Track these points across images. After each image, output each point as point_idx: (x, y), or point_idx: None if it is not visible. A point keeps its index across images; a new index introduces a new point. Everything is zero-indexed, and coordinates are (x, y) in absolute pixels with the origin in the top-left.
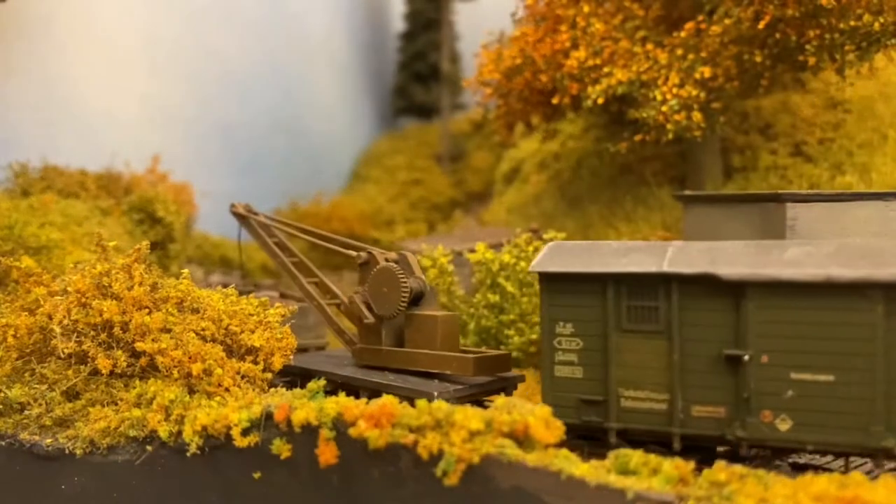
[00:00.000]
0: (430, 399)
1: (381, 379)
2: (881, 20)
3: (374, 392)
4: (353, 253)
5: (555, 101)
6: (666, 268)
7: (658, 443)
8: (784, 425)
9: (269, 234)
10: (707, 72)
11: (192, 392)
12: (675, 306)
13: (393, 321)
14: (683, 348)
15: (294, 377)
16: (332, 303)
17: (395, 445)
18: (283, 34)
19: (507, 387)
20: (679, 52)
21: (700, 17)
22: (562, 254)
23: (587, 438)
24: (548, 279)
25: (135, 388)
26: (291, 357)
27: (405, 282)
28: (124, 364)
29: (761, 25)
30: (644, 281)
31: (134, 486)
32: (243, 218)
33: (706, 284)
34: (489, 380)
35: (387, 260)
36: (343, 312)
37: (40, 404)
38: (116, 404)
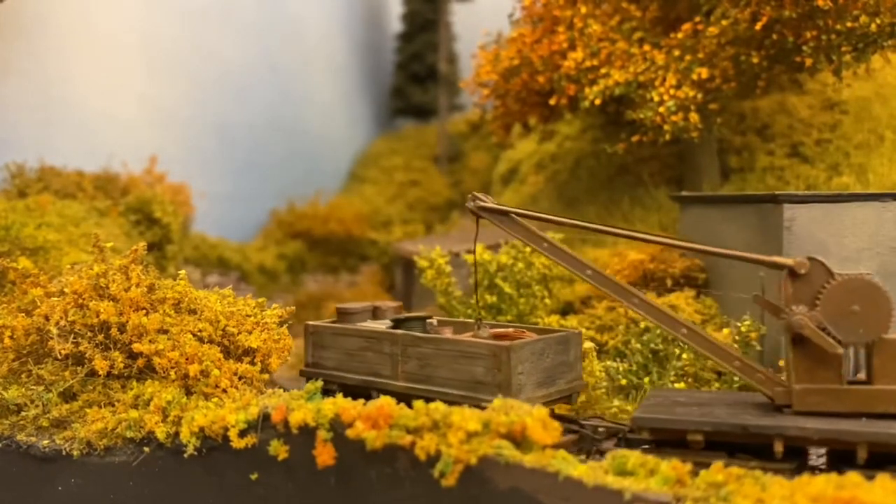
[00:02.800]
0: None
1: None
2: (878, 21)
3: None
4: (779, 260)
5: (552, 102)
6: None
7: None
8: None
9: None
10: (704, 73)
11: (189, 393)
12: None
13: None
14: None
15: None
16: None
17: (393, 446)
18: (281, 35)
19: None
20: (676, 53)
21: (697, 19)
22: None
23: None
24: None
25: (132, 389)
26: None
27: (890, 298)
28: (121, 365)
29: (758, 27)
30: None
31: (131, 487)
32: (502, 214)
33: None
34: None
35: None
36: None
37: (37, 406)
38: (113, 405)
